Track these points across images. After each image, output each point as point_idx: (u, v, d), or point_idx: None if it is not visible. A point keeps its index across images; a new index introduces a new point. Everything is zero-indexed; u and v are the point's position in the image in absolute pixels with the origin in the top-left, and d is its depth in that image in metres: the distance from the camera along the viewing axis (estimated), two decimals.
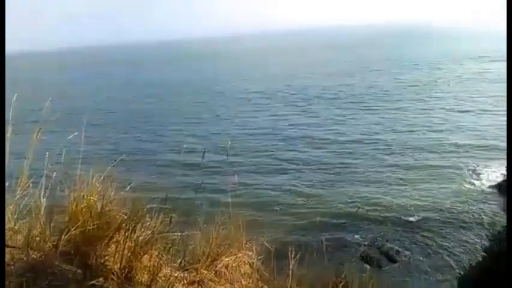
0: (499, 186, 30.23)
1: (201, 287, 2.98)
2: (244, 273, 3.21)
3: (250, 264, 3.32)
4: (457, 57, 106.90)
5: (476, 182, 33.71)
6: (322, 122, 54.57)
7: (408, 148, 42.10)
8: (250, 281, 3.21)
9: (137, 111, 68.60)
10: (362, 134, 47.73)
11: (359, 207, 30.42)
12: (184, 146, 43.45)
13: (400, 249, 25.78)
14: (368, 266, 24.15)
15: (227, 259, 3.20)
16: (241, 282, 3.12)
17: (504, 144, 38.53)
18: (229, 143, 33.51)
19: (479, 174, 35.08)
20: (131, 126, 58.51)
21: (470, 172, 35.71)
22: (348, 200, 31.91)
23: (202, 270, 3.08)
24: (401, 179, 35.45)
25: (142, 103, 76.23)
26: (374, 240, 26.87)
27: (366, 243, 26.78)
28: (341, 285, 3.38)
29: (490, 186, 31.97)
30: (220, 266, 3.12)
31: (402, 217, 29.23)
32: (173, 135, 52.45)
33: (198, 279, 3.01)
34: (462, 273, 16.54)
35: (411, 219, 29.07)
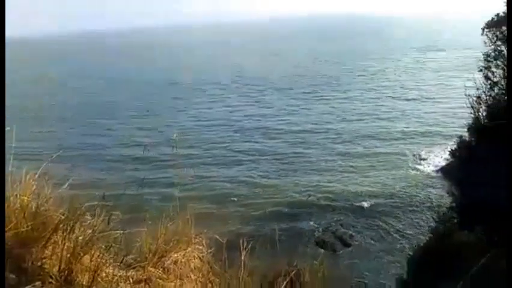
0: (443, 170, 31.96)
1: (148, 285, 2.85)
2: (195, 268, 3.11)
3: (200, 258, 3.22)
4: (404, 48, 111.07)
5: (422, 167, 35.42)
6: (275, 112, 54.99)
7: (357, 136, 43.39)
8: (201, 275, 3.11)
9: (84, 104, 65.66)
10: (314, 124, 48.64)
11: (310, 195, 31.14)
12: (133, 139, 42.41)
13: (354, 234, 26.83)
14: (322, 251, 24.99)
15: (176, 255, 3.08)
16: (190, 277, 3.02)
17: (446, 130, 41.01)
18: (175, 135, 32.84)
19: (424, 159, 36.83)
20: (79, 120, 55.92)
21: (416, 158, 37.43)
22: (302, 189, 32.51)
23: (149, 267, 2.94)
24: (352, 166, 36.58)
25: (89, 96, 73.02)
26: (328, 226, 27.68)
27: (320, 229, 27.54)
28: (292, 273, 3.36)
29: (435, 171, 33.70)
30: (168, 262, 3.01)
31: (355, 203, 30.23)
32: (124, 128, 50.81)
33: (144, 277, 2.88)
34: (411, 254, 17.36)
35: (363, 204, 30.14)
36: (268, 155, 39.99)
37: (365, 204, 30.14)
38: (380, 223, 27.67)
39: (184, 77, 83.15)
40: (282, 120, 51.05)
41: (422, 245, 16.77)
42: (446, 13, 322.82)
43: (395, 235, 26.26)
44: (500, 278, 11.73)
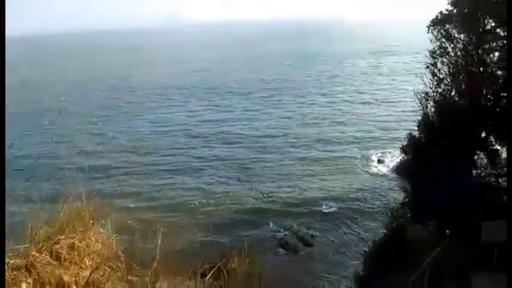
0: (396, 169, 32.91)
1: (30, 272, 2.44)
2: (93, 252, 2.72)
3: (102, 242, 2.83)
4: (360, 53, 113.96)
5: (379, 169, 36.32)
6: (235, 117, 54.59)
7: (314, 141, 43.82)
8: (99, 260, 2.73)
9: (39, 111, 61.86)
10: (273, 128, 48.68)
11: (269, 196, 31.24)
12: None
13: (314, 234, 27.07)
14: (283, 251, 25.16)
15: (70, 240, 2.69)
16: (85, 262, 2.63)
17: (398, 133, 42.16)
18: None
19: (381, 161, 37.72)
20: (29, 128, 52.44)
21: (373, 160, 38.31)
22: (262, 195, 32.34)
23: (33, 253, 2.53)
24: (310, 170, 36.86)
25: (43, 102, 68.78)
26: (290, 228, 27.77)
27: (281, 231, 27.60)
28: (221, 262, 3.07)
29: (391, 171, 34.66)
30: (57, 247, 2.61)
31: (314, 207, 30.47)
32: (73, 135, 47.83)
33: (27, 263, 2.46)
34: (366, 250, 17.54)
35: (323, 208, 30.41)
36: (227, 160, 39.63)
37: (325, 207, 30.42)
38: (340, 224, 28.06)
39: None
40: (242, 125, 50.74)
41: (376, 241, 16.97)
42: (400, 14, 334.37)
43: (353, 232, 26.86)
44: (451, 269, 11.91)
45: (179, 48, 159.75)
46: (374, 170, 36.45)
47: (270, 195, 32.40)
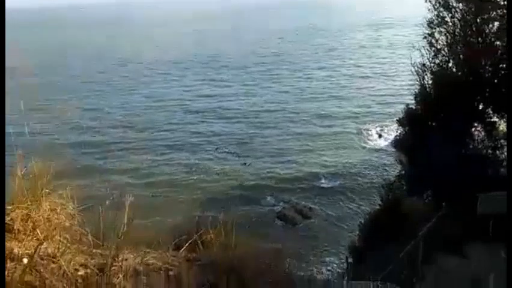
0: (393, 143, 32.85)
1: None
2: (48, 222, 2.58)
3: (58, 212, 2.68)
4: (358, 26, 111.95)
5: (378, 143, 36.32)
6: (233, 92, 53.96)
7: (313, 116, 43.54)
8: (54, 230, 2.59)
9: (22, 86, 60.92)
10: (271, 103, 48.26)
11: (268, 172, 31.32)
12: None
13: (313, 207, 27.31)
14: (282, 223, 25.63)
15: (24, 211, 2.54)
16: (34, 234, 2.49)
17: (395, 108, 41.82)
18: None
19: (381, 136, 37.59)
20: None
21: (372, 134, 38.23)
22: (261, 171, 32.35)
23: None
24: (308, 145, 36.78)
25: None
26: (289, 201, 28.14)
27: (280, 205, 27.82)
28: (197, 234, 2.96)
29: (388, 145, 34.65)
30: (8, 218, 2.46)
31: (314, 182, 30.58)
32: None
33: None
34: (362, 221, 17.65)
35: (322, 182, 30.53)
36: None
37: (324, 181, 30.55)
38: (339, 196, 28.37)
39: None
40: (239, 100, 50.23)
41: (372, 212, 17.04)
42: None
43: (352, 205, 27.18)
44: (445, 241, 11.92)
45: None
46: (373, 144, 36.41)
47: (269, 170, 32.44)
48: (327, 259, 21.68)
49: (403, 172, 16.32)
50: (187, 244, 2.92)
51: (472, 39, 14.98)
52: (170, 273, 2.71)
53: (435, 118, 15.29)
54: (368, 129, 39.19)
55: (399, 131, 30.07)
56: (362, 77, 57.99)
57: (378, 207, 17.16)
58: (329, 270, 20.48)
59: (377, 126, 39.48)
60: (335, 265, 20.73)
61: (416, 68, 15.64)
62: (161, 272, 2.71)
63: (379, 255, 13.47)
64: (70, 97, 51.62)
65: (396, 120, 16.05)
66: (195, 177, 31.50)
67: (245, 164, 33.36)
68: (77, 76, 65.04)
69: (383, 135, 37.35)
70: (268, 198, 28.77)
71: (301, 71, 63.08)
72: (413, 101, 17.29)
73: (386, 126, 38.71)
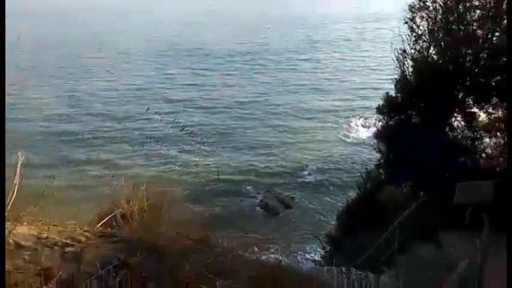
0: (376, 135, 32.86)
1: None
2: None
3: None
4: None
5: (357, 135, 36.36)
6: (212, 83, 52.57)
7: (296, 108, 43.15)
8: None
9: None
10: (259, 95, 47.25)
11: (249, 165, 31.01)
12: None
13: (295, 196, 27.73)
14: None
15: None
16: None
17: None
18: None
19: (367, 127, 37.51)
20: None
21: (355, 126, 38.23)
22: (243, 164, 31.97)
23: None
24: (290, 137, 36.52)
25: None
26: (271, 191, 28.39)
27: (262, 195, 28.08)
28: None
29: (370, 137, 34.60)
30: None
31: (296, 173, 30.57)
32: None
33: None
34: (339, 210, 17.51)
35: (304, 173, 30.52)
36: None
37: (306, 173, 30.63)
38: (321, 188, 28.67)
39: None
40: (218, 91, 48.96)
41: (349, 201, 16.85)
42: None
43: (333, 196, 27.42)
44: (422, 229, 11.70)
45: None
46: (355, 136, 36.53)
47: (251, 163, 32.09)
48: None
49: (382, 161, 16.06)
50: (105, 219, 2.55)
51: (453, 26, 14.73)
52: (68, 249, 2.35)
53: (415, 106, 15.05)
54: (350, 122, 39.35)
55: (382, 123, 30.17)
56: (347, 70, 57.57)
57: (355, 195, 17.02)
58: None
59: (360, 119, 39.59)
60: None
61: (397, 54, 15.35)
62: (55, 247, 2.36)
63: (355, 243, 13.23)
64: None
65: (376, 107, 15.73)
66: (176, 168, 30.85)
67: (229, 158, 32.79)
68: None
69: (366, 128, 37.18)
70: (252, 192, 28.63)
71: (282, 63, 62.07)
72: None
73: (367, 118, 38.60)
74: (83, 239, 2.47)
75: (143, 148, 33.42)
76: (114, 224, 2.79)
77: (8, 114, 37.77)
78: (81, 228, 2.62)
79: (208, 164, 31.87)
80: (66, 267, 2.30)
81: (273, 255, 20.89)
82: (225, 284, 3.85)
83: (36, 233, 2.30)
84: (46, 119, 38.45)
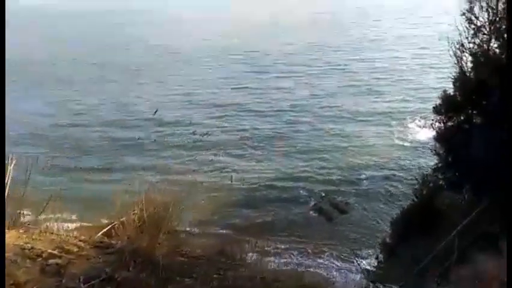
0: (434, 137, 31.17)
1: None
2: None
3: None
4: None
5: (414, 137, 34.76)
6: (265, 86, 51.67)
7: (350, 110, 41.91)
8: None
9: None
10: (312, 98, 46.22)
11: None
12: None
13: (349, 202, 26.84)
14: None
15: None
16: None
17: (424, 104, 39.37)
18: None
19: (425, 127, 35.75)
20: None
21: (410, 128, 36.60)
22: (298, 169, 31.58)
23: None
24: (343, 142, 35.55)
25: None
26: (326, 195, 27.63)
27: (315, 200, 27.44)
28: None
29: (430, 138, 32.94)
30: None
31: (351, 178, 29.76)
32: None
33: None
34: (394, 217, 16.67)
35: (360, 177, 29.70)
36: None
37: (362, 177, 29.76)
38: (377, 194, 27.65)
39: None
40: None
41: (405, 208, 15.94)
42: None
43: (388, 201, 26.53)
44: (483, 237, 10.73)
45: None
46: (411, 138, 34.99)
47: (305, 169, 31.61)
48: None
49: (440, 165, 14.99)
50: (104, 230, 2.39)
51: None
52: (51, 261, 2.18)
53: (476, 105, 13.92)
54: (407, 123, 37.65)
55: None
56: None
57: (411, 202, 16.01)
58: None
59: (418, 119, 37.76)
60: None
61: (454, 48, 14.28)
62: (38, 259, 2.19)
63: (410, 252, 12.41)
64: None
65: (433, 107, 14.72)
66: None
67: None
68: None
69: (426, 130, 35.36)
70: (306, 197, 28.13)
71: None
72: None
73: (425, 119, 36.54)
74: (74, 249, 2.31)
75: (195, 153, 33.89)
76: (113, 233, 2.65)
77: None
78: (76, 237, 2.48)
79: (260, 169, 31.72)
80: (45, 282, 2.15)
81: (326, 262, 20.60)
82: None
83: (22, 243, 2.19)
84: (102, 124, 40.17)
